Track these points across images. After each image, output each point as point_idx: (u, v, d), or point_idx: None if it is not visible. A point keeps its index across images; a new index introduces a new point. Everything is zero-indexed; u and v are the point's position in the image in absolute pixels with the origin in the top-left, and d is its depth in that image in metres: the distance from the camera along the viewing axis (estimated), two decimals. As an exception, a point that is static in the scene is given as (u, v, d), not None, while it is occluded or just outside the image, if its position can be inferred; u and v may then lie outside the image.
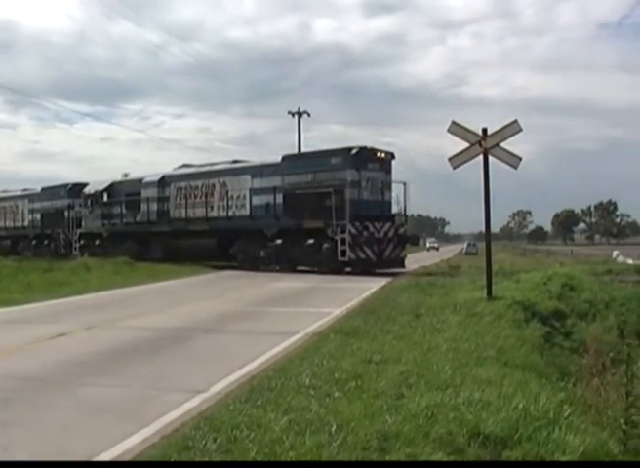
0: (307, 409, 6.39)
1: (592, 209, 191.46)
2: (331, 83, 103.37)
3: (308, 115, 52.79)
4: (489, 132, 13.96)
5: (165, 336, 11.42)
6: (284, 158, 27.55)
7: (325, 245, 24.90)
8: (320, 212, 24.71)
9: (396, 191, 26.59)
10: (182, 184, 31.58)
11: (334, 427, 5.84)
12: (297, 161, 27.46)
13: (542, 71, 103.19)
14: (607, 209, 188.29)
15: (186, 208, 30.97)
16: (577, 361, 11.15)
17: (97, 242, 35.88)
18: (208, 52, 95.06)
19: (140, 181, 34.20)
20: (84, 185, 38.52)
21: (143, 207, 33.30)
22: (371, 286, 18.83)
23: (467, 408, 6.39)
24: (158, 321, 13.34)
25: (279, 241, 26.68)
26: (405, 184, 26.55)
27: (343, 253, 24.20)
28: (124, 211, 34.65)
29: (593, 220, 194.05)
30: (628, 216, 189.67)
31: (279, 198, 26.83)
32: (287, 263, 26.43)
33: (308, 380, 7.45)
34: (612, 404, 8.58)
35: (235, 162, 30.94)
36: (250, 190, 28.12)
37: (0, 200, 45.27)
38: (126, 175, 38.60)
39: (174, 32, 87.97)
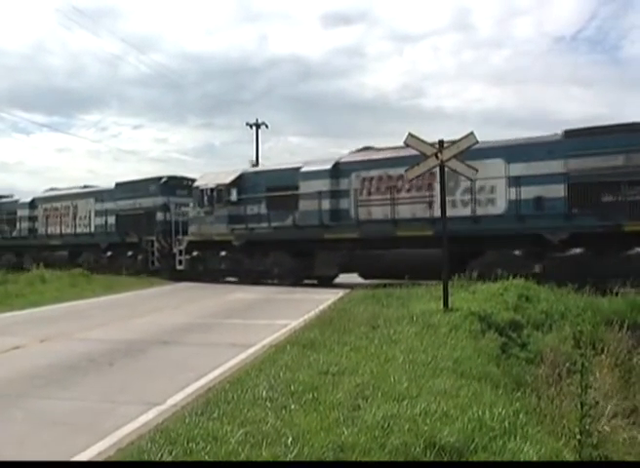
0: (264, 422, 6.38)
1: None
2: (289, 94, 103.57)
3: (266, 126, 52.91)
4: (445, 144, 14.09)
5: (121, 349, 11.32)
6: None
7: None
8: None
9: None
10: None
11: (290, 439, 5.83)
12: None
13: (499, 84, 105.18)
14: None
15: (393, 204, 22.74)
16: (533, 371, 11.23)
17: (222, 253, 26.88)
18: (166, 62, 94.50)
19: None
20: (184, 179, 31.20)
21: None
22: (328, 297, 18.85)
23: (424, 419, 6.43)
24: (114, 333, 13.22)
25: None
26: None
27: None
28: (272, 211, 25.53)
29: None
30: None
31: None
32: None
33: (265, 392, 7.44)
34: (567, 413, 8.69)
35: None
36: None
37: (49, 200, 36.51)
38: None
39: (132, 43, 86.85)
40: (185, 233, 28.36)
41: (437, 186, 18.32)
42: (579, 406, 7.83)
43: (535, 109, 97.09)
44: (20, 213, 37.22)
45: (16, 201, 38.44)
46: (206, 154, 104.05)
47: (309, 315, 15.02)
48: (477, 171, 14.63)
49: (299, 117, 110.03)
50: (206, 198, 27.13)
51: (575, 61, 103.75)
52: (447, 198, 14.79)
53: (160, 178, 30.74)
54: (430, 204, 21.29)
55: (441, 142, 14.06)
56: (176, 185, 30.76)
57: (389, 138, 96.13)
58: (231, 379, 8.54)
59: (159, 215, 30.13)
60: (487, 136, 20.37)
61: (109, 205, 32.41)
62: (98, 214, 33.14)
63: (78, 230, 34.11)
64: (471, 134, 13.98)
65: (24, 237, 36.60)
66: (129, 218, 31.16)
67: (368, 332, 11.58)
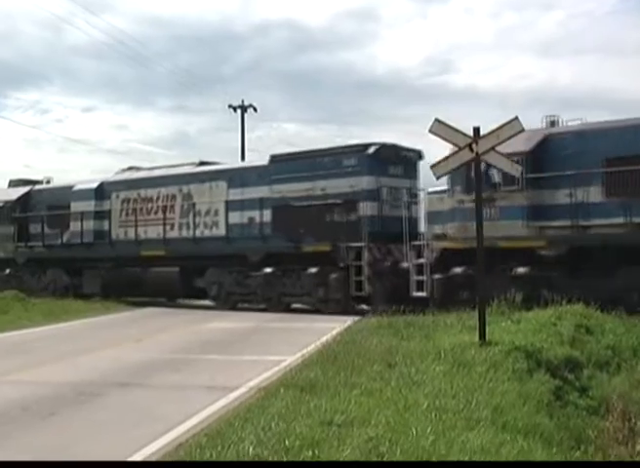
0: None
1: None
2: (282, 69, 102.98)
3: (255, 110, 52.97)
4: (482, 132, 14.08)
5: (65, 393, 11.27)
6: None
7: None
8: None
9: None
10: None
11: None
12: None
13: (549, 55, 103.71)
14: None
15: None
16: (597, 424, 11.19)
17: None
18: (125, 27, 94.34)
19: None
20: (401, 149, 26.29)
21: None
22: (332, 326, 18.83)
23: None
24: (57, 373, 13.18)
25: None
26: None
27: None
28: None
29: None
30: None
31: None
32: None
33: (252, 449, 7.39)
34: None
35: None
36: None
37: (133, 185, 31.23)
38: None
39: (80, 1, 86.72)
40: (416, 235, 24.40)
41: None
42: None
43: (594, 87, 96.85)
44: (76, 206, 31.94)
45: (67, 188, 33.10)
46: (178, 144, 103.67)
47: (309, 349, 14.98)
48: (522, 167, 14.60)
49: (295, 98, 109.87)
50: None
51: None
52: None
53: (366, 147, 24.91)
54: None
55: (476, 130, 14.04)
56: (388, 158, 25.16)
57: (409, 124, 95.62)
58: (209, 432, 8.48)
59: (367, 207, 24.40)
60: (532, 121, 20.37)
61: (259, 191, 26.37)
62: (235, 205, 26.94)
63: (198, 233, 27.98)
64: (515, 119, 13.95)
65: (87, 244, 31.41)
66: (301, 213, 25.21)
67: (383, 372, 11.54)
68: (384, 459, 7.05)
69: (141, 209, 30.00)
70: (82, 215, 31.36)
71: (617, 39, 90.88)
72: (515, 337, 13.76)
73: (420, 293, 22.56)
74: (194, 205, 28.13)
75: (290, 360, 13.89)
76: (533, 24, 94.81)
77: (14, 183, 36.82)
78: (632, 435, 10.56)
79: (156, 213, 29.48)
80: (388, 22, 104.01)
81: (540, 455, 7.61)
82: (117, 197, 31.31)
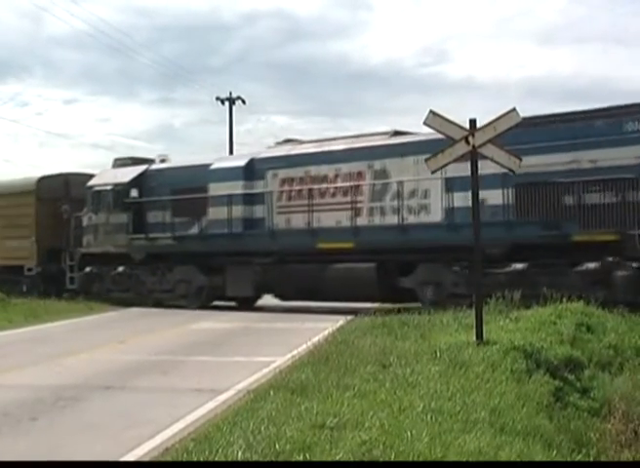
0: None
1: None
2: (272, 60, 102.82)
3: (243, 102, 52.95)
4: (479, 124, 14.08)
5: (46, 398, 11.25)
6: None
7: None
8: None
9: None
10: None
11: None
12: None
13: (549, 44, 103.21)
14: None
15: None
16: (598, 426, 11.19)
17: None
18: (108, 16, 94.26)
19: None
20: None
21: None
22: (324, 326, 18.80)
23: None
24: (38, 377, 13.17)
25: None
26: None
27: None
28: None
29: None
30: None
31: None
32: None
33: (241, 453, 7.38)
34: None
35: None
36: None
37: (296, 161, 25.91)
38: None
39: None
40: None
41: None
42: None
43: (596, 77, 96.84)
44: (217, 188, 26.74)
45: (201, 167, 27.82)
46: (163, 138, 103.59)
47: (299, 350, 14.99)
48: (521, 160, 14.59)
49: (285, 90, 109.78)
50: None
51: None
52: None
53: None
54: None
55: (473, 122, 14.05)
56: None
57: (405, 117, 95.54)
58: (196, 436, 8.48)
59: None
60: (532, 112, 20.35)
61: (493, 165, 19.62)
62: (456, 184, 21.43)
63: (400, 219, 23.17)
64: (513, 111, 13.97)
65: (234, 235, 26.25)
66: (561, 192, 20.72)
67: (376, 373, 11.54)
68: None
69: (312, 190, 24.42)
70: (230, 199, 25.56)
71: (622, 27, 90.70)
72: (513, 336, 13.77)
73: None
74: (392, 185, 22.90)
75: (279, 361, 13.90)
76: (533, 11, 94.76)
77: (120, 162, 31.22)
78: (635, 438, 10.56)
79: (334, 195, 24.16)
80: (381, 11, 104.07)
81: (539, 458, 7.61)
82: (274, 176, 25.60)
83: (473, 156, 14.04)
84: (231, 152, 48.11)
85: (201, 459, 7.32)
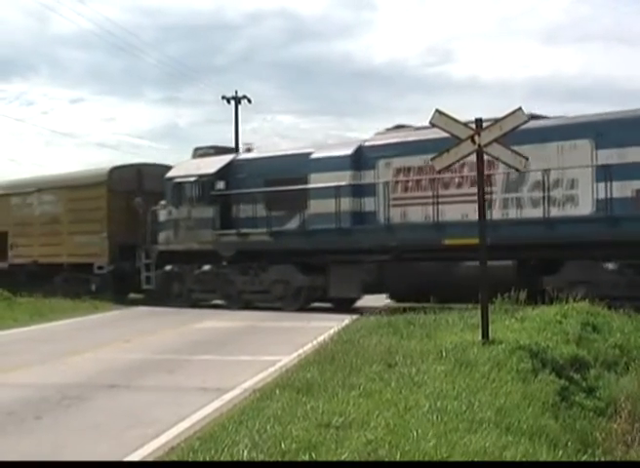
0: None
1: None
2: (277, 60, 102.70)
3: (249, 101, 52.80)
4: (485, 123, 14.06)
5: (51, 396, 11.27)
6: None
7: None
8: None
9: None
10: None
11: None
12: None
13: (554, 43, 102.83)
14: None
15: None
16: (604, 426, 11.17)
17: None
18: (114, 16, 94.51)
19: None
20: None
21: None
22: (330, 325, 18.81)
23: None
24: (43, 375, 13.19)
25: None
26: None
27: None
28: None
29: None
30: None
31: None
32: None
33: (246, 453, 7.39)
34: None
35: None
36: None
37: (417, 148, 22.70)
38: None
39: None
40: None
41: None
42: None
43: (601, 76, 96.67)
44: (320, 179, 24.36)
45: (300, 156, 25.66)
46: (168, 137, 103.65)
47: (305, 349, 14.99)
48: (527, 159, 14.55)
49: (290, 90, 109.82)
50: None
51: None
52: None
53: None
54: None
55: (479, 122, 14.04)
56: None
57: (409, 116, 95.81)
58: (202, 435, 8.49)
59: None
60: (537, 112, 20.37)
61: None
62: (609, 172, 19.64)
63: (544, 212, 20.98)
64: (519, 110, 13.96)
65: (343, 230, 23.79)
66: None
67: (382, 372, 11.54)
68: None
69: (433, 181, 22.18)
70: (337, 191, 23.25)
71: (627, 26, 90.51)
72: (519, 336, 13.76)
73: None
74: (531, 174, 20.36)
75: (285, 360, 13.92)
76: (537, 10, 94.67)
77: (201, 152, 29.01)
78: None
79: (459, 186, 21.92)
80: (385, 11, 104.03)
81: (545, 458, 7.60)
82: (387, 165, 23.23)
83: (479, 154, 14.04)
84: (237, 151, 48.02)
85: (207, 458, 7.33)
